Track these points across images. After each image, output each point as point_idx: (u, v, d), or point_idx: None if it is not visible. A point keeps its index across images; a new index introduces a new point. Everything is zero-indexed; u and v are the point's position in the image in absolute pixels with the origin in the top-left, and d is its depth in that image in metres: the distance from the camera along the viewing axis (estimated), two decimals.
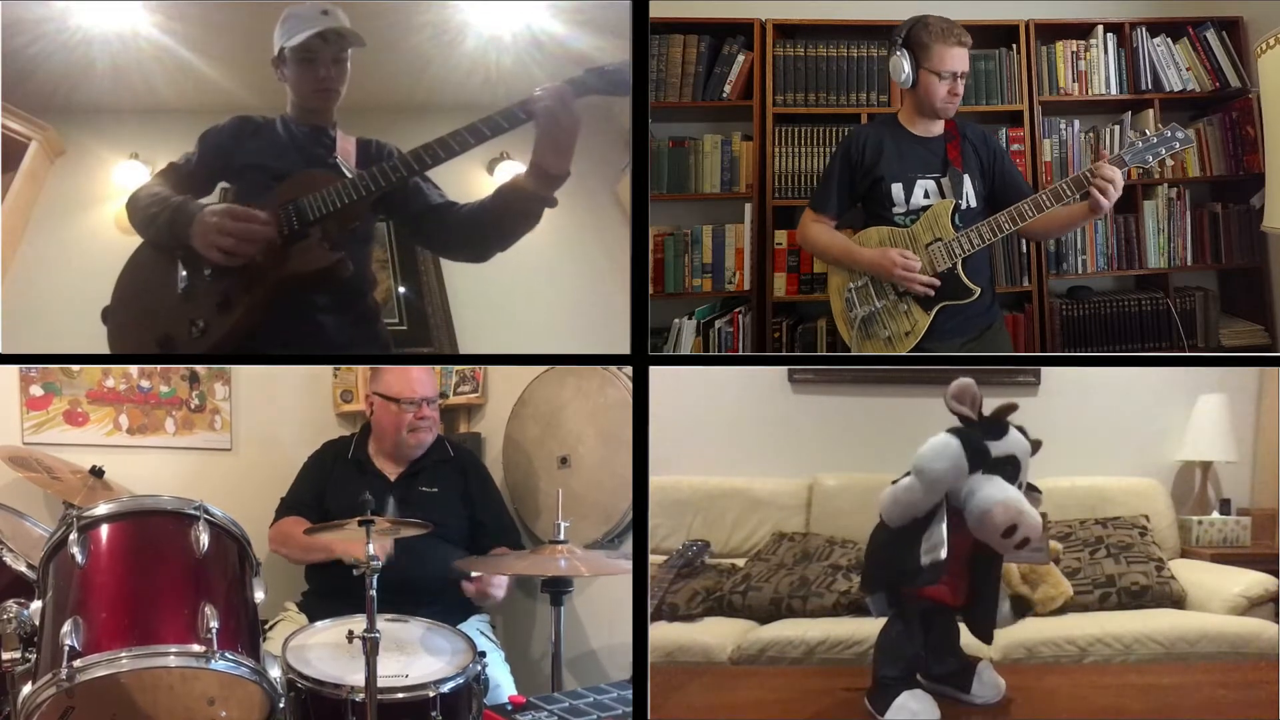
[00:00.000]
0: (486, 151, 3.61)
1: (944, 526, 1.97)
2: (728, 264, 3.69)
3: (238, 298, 2.68)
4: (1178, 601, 3.47)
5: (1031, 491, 2.10)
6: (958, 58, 2.95)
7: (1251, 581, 3.42)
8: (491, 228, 2.86)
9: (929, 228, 2.98)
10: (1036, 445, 2.12)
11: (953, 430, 2.04)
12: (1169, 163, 3.60)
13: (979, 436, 2.02)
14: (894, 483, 2.07)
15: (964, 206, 3.00)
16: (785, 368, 3.99)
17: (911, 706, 1.99)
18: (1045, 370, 3.92)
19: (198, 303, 2.70)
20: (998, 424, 2.07)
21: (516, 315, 3.65)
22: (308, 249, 2.70)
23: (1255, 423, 3.95)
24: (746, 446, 4.05)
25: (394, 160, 2.76)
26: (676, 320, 3.65)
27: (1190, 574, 3.58)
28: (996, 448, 2.03)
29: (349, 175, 2.78)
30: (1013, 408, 2.08)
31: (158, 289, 2.75)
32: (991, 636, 2.13)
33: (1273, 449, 3.88)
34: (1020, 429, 2.10)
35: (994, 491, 1.96)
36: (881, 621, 2.14)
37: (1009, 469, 2.02)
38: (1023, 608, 2.19)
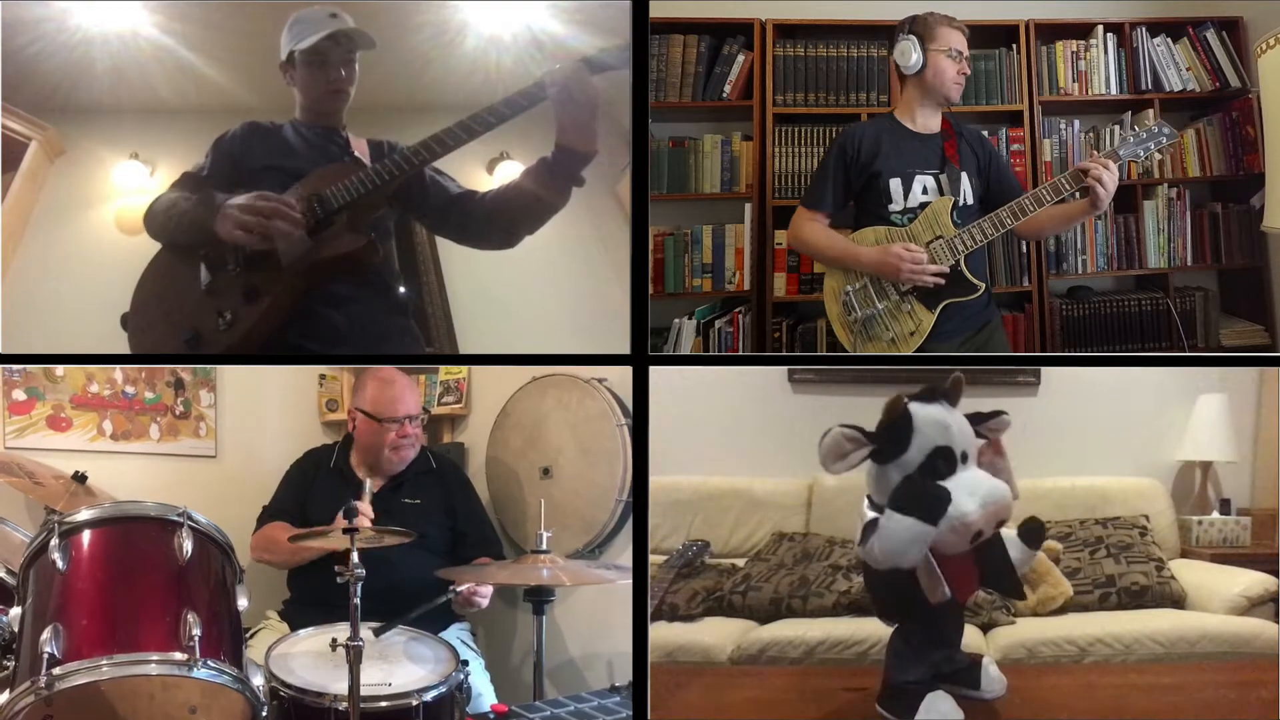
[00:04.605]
0: (486, 150, 3.62)
1: (937, 569, 1.93)
2: (728, 264, 3.69)
3: (266, 287, 2.67)
4: (1178, 601, 3.47)
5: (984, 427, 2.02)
6: (960, 40, 3.01)
7: (1251, 581, 3.41)
8: (520, 212, 2.84)
9: (929, 226, 2.98)
10: (956, 386, 1.99)
11: (893, 502, 1.90)
12: (1164, 159, 3.61)
13: (918, 487, 1.88)
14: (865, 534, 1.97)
15: (961, 204, 3.00)
16: (785, 368, 3.99)
17: (941, 708, 1.99)
18: (1045, 370, 3.93)
19: (223, 295, 2.69)
20: (895, 435, 1.93)
21: (516, 315, 3.65)
22: (336, 235, 2.69)
23: (1255, 423, 3.95)
24: (746, 446, 4.05)
25: (415, 145, 2.75)
26: (676, 320, 3.65)
27: (1190, 574, 3.58)
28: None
29: (369, 165, 2.78)
30: (898, 402, 1.95)
31: (180, 290, 2.75)
32: (1023, 592, 2.08)
33: (1273, 449, 3.88)
34: (920, 397, 1.97)
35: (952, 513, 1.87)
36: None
37: (945, 465, 1.92)
38: (1036, 535, 2.12)
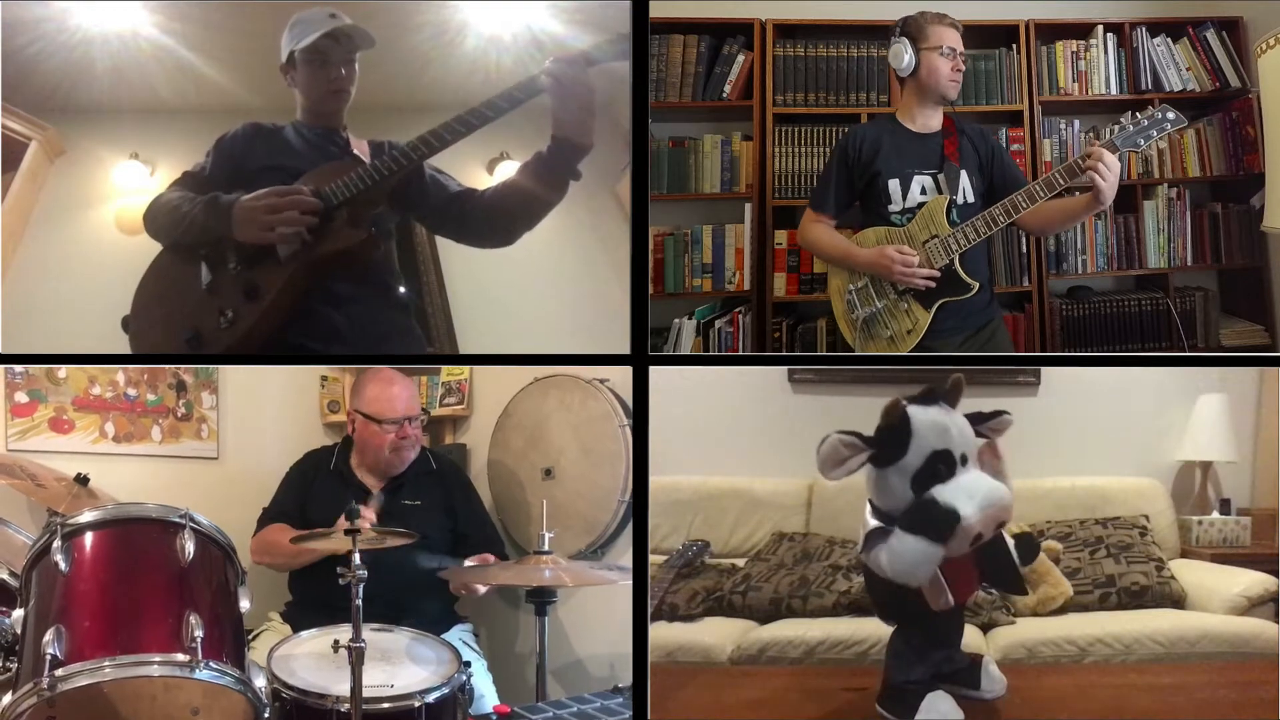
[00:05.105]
0: (486, 151, 3.63)
1: (942, 580, 1.92)
2: (728, 264, 3.69)
3: (266, 285, 2.66)
4: (1178, 601, 3.47)
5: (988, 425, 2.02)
6: (953, 37, 3.00)
7: (1251, 581, 3.41)
8: (519, 208, 2.83)
9: (925, 225, 2.99)
10: (956, 388, 1.99)
11: (903, 523, 1.89)
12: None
13: (929, 508, 1.87)
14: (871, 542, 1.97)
15: (961, 202, 3.00)
16: (785, 368, 3.99)
17: (941, 708, 1.99)
18: (1045, 370, 3.93)
19: (224, 294, 2.69)
20: (894, 439, 1.93)
21: (516, 315, 3.65)
22: (336, 230, 2.69)
23: (1255, 423, 3.95)
24: (746, 446, 4.05)
25: (412, 141, 2.74)
26: (676, 320, 3.65)
27: (1190, 574, 3.58)
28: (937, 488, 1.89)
29: (368, 162, 2.77)
30: (896, 405, 1.94)
31: (181, 290, 2.74)
32: (1026, 588, 2.08)
33: (1273, 449, 3.88)
34: (919, 400, 1.96)
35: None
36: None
37: (945, 468, 1.91)
38: (1030, 551, 2.11)
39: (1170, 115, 2.89)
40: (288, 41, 2.83)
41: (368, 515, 2.91)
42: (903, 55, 2.99)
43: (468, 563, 3.17)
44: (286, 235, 2.64)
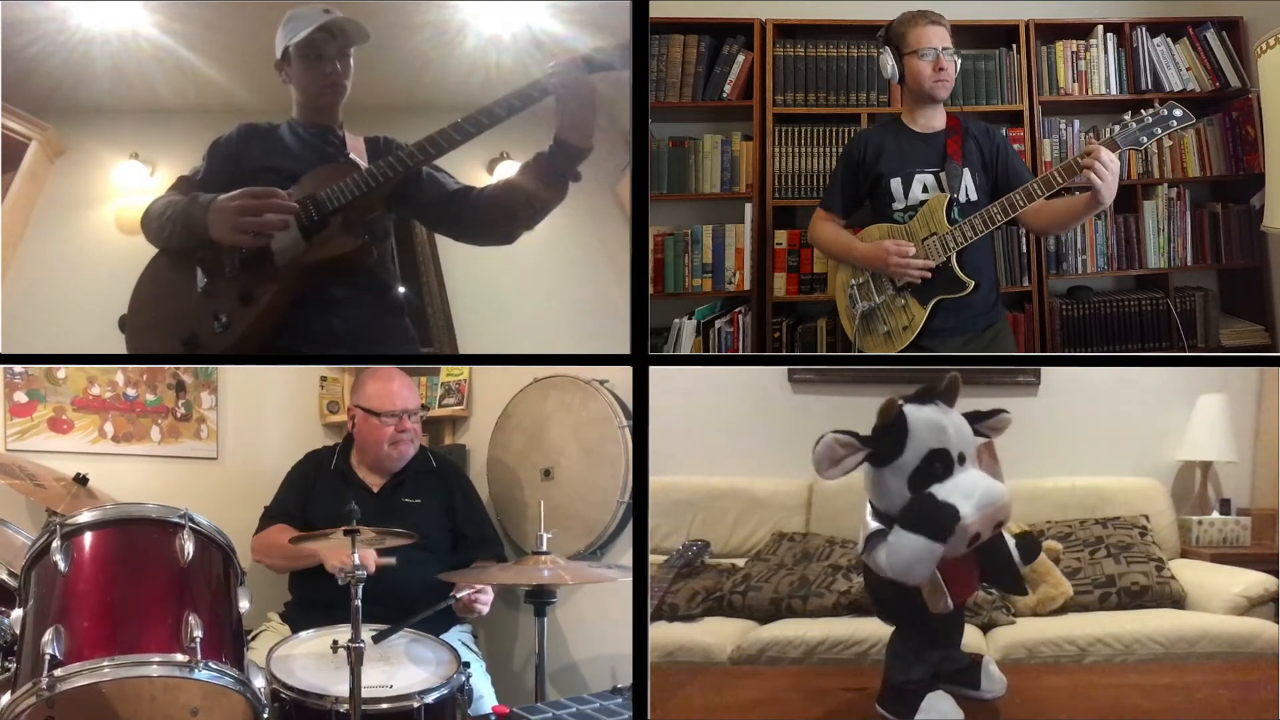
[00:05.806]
0: (486, 151, 3.62)
1: (942, 583, 1.92)
2: (728, 264, 3.69)
3: (261, 290, 2.66)
4: (1178, 601, 3.47)
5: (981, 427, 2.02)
6: (933, 35, 2.98)
7: (1251, 581, 3.41)
8: (517, 207, 2.82)
9: (925, 223, 2.99)
10: (952, 386, 1.98)
11: (902, 520, 1.89)
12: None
13: (928, 505, 1.87)
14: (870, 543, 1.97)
15: (963, 200, 3.00)
16: (785, 368, 3.99)
17: (941, 708, 1.99)
18: (1045, 370, 3.93)
19: (220, 298, 2.69)
20: (890, 438, 1.93)
21: (516, 315, 3.65)
22: (330, 237, 2.69)
23: (1255, 423, 3.95)
24: (746, 446, 4.05)
25: (409, 147, 2.74)
26: (676, 320, 3.65)
27: (1190, 574, 3.58)
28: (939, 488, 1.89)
29: (364, 167, 2.77)
30: (891, 404, 1.94)
31: (177, 293, 2.74)
32: (1026, 588, 2.08)
33: (1273, 449, 3.88)
34: (916, 399, 1.97)
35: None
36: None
37: (942, 467, 1.92)
38: (1031, 550, 2.11)
39: (1177, 113, 2.86)
40: (282, 38, 2.83)
41: (366, 558, 2.82)
42: (887, 65, 3.03)
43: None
44: (260, 239, 2.64)
